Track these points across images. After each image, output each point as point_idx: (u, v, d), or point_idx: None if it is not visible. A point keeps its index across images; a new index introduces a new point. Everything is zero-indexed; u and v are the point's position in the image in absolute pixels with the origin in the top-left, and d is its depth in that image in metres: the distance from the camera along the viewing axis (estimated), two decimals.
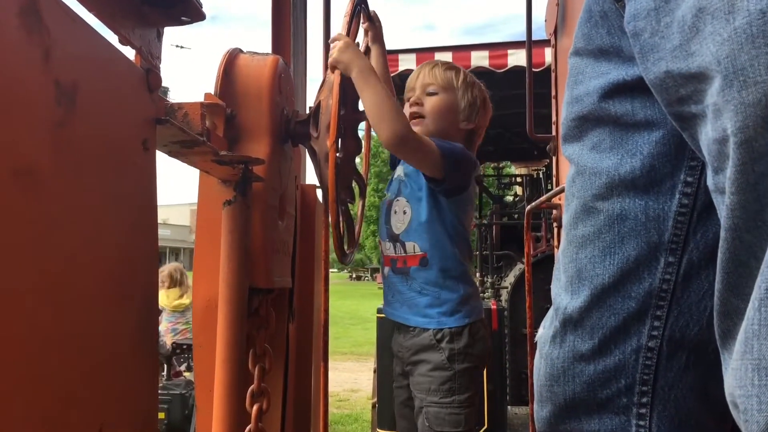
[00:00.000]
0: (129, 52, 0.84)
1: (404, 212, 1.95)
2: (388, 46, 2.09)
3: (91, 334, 0.67)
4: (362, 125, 1.97)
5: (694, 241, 0.79)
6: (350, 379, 9.20)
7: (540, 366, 0.89)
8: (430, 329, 1.86)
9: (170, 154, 1.08)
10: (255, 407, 1.42)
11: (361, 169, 2.01)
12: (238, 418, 1.20)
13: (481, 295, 4.95)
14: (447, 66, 2.05)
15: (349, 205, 1.82)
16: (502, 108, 5.77)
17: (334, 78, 1.58)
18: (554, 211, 2.32)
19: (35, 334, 0.57)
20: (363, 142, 1.95)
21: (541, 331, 0.92)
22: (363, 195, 2.06)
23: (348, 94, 1.74)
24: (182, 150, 1.06)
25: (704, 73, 0.60)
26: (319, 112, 1.60)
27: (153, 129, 0.86)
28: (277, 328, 1.61)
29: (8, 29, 0.54)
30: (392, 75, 4.94)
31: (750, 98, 0.54)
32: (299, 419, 1.90)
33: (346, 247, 1.73)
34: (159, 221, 0.89)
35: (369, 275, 53.06)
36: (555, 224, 2.35)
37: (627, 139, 0.81)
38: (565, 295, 0.86)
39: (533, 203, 2.51)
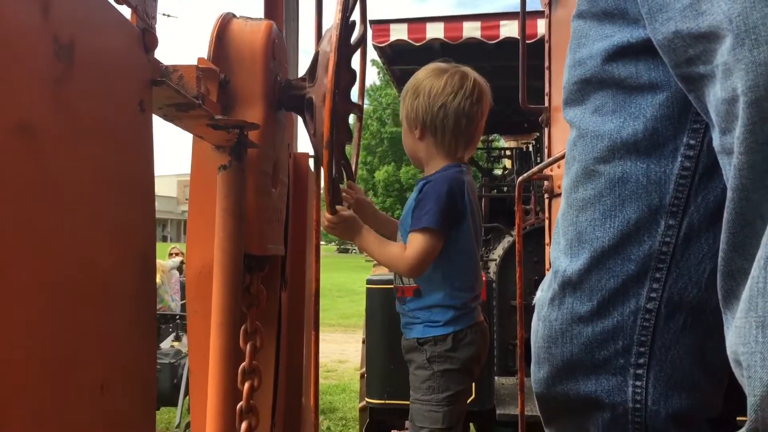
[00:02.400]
0: (124, 12, 0.82)
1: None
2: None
3: (90, 292, 0.66)
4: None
5: (695, 204, 0.79)
6: (338, 350, 9.27)
7: (538, 328, 0.89)
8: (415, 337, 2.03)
9: (165, 117, 1.07)
10: (246, 385, 1.42)
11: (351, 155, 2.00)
12: (234, 382, 1.20)
13: None
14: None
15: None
16: (492, 80, 5.75)
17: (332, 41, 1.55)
18: (545, 183, 2.32)
19: (36, 291, 0.56)
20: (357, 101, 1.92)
21: (539, 294, 0.92)
22: (352, 176, 2.06)
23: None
24: (177, 113, 1.04)
25: (715, 32, 0.59)
26: (317, 63, 1.58)
27: (149, 90, 0.85)
28: (270, 297, 1.61)
29: None
30: (383, 45, 4.96)
31: (762, 57, 0.54)
32: (291, 389, 1.91)
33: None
34: None
35: (356, 248, 53.17)
36: (546, 195, 2.35)
37: (630, 102, 0.81)
38: (564, 258, 0.86)
39: (525, 174, 2.51)
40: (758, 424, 0.55)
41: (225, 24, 1.48)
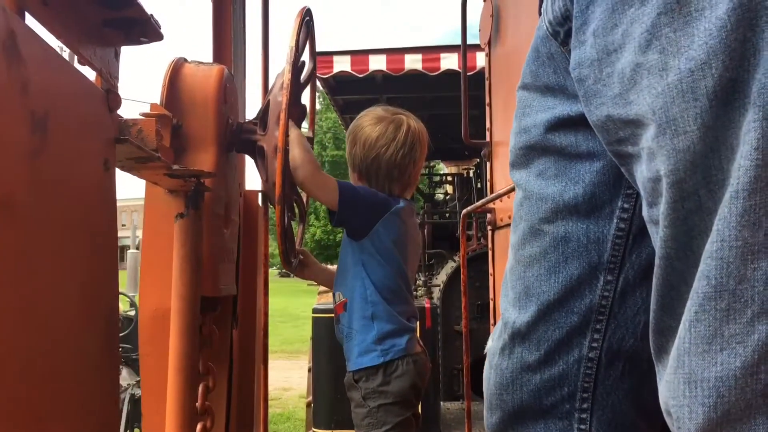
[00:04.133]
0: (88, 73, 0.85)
1: (338, 264, 2.12)
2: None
3: (64, 349, 0.69)
4: None
5: (629, 261, 0.86)
6: (281, 377, 9.15)
7: (490, 376, 0.94)
8: (351, 371, 2.04)
9: (123, 168, 1.09)
10: (199, 426, 1.43)
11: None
12: (190, 425, 1.22)
13: (414, 293, 5.01)
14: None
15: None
16: (433, 109, 5.88)
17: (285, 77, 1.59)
18: (489, 215, 2.40)
19: (20, 353, 0.58)
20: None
21: (490, 343, 0.97)
22: (303, 218, 2.12)
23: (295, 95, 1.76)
24: (136, 165, 1.07)
25: (640, 120, 0.66)
26: (268, 110, 1.62)
27: (113, 148, 0.88)
28: (221, 336, 1.63)
29: None
30: (327, 77, 5.01)
31: (680, 145, 0.61)
32: (242, 427, 1.91)
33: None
34: None
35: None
36: (489, 227, 2.43)
37: (570, 168, 0.88)
38: (513, 311, 0.92)
39: (469, 207, 2.59)
40: None
41: (177, 69, 1.50)
